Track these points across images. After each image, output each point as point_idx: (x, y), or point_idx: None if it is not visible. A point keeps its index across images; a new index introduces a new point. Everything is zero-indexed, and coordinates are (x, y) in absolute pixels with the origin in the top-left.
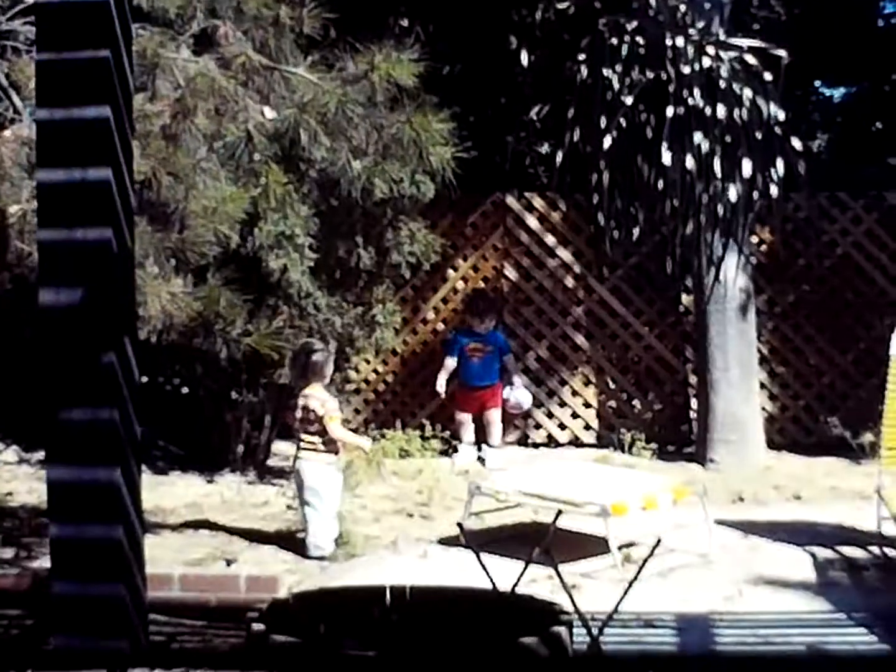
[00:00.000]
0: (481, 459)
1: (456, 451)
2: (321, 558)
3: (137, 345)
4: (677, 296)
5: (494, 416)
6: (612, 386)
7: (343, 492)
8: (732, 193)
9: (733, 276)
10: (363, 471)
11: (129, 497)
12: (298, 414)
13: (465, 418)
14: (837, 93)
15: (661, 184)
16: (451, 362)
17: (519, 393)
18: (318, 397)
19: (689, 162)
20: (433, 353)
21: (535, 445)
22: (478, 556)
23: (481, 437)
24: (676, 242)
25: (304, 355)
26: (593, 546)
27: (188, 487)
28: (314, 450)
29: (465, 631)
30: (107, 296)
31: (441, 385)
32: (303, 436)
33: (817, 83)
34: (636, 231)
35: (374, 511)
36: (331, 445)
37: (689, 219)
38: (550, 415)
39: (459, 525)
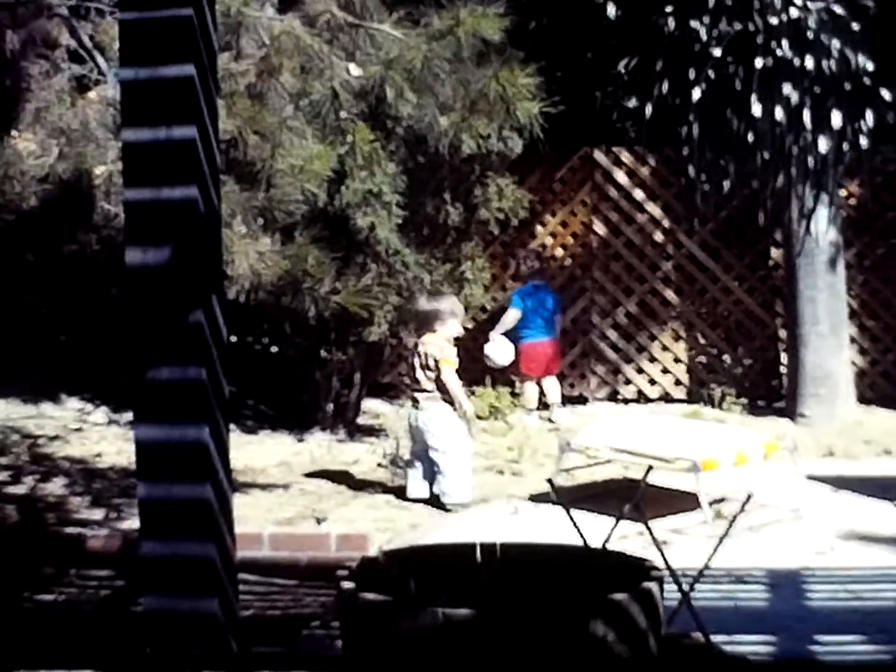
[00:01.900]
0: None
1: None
2: (461, 505)
3: (225, 304)
4: (767, 249)
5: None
6: (701, 341)
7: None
8: (822, 145)
9: (823, 229)
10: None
11: (217, 456)
12: (417, 361)
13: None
14: None
15: (750, 136)
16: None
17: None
18: (437, 344)
19: (779, 113)
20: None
21: (626, 401)
22: (568, 513)
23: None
24: (766, 195)
25: (428, 303)
26: (684, 502)
27: (278, 446)
28: (433, 398)
29: (556, 588)
30: (193, 254)
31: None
32: (422, 384)
33: None
34: (726, 184)
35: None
36: (447, 394)
37: (780, 171)
38: (640, 370)
39: (550, 481)
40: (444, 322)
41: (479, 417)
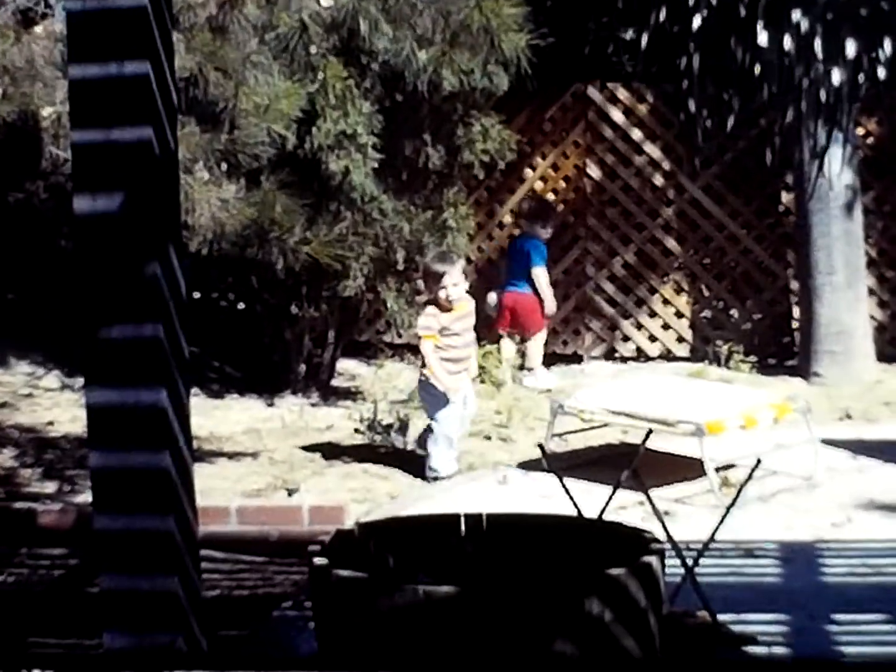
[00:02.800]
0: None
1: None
2: (435, 479)
3: (184, 255)
4: (777, 193)
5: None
6: (706, 294)
7: (418, 412)
8: (836, 77)
9: (838, 170)
10: None
11: (176, 421)
12: None
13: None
14: None
15: (756, 68)
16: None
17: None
18: (428, 312)
19: (788, 43)
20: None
21: (623, 359)
22: (561, 481)
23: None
24: (775, 133)
25: (432, 263)
26: (687, 469)
27: (246, 411)
28: (421, 365)
29: (548, 562)
30: (148, 202)
31: (552, 305)
32: None
33: None
34: (730, 122)
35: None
36: (426, 367)
37: (789, 107)
38: (639, 326)
39: (541, 447)
40: (429, 288)
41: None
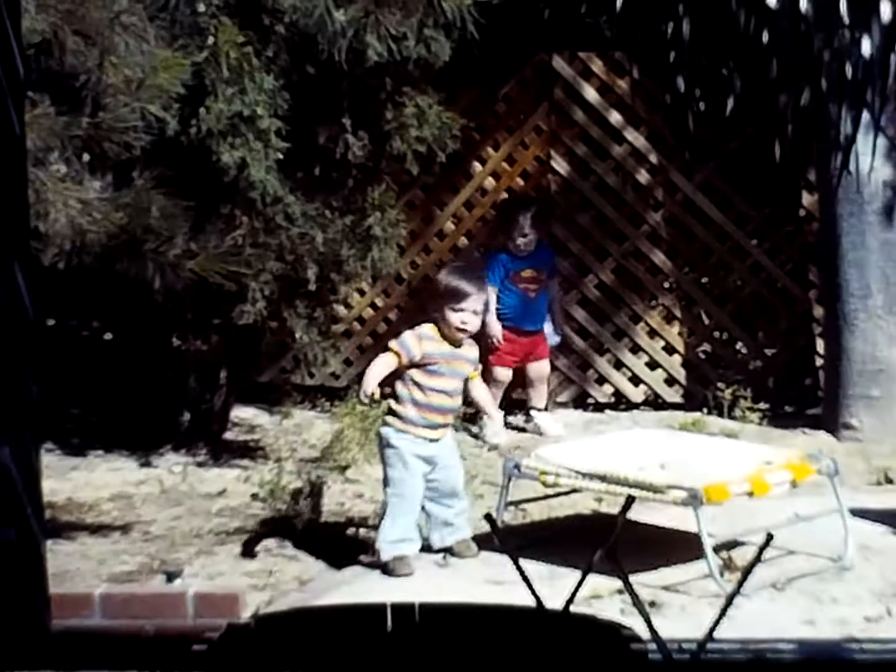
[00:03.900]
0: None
1: (482, 424)
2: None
3: (32, 271)
4: (796, 194)
5: (545, 368)
6: (705, 322)
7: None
8: (865, 47)
9: (871, 165)
10: (357, 444)
11: (22, 486)
12: None
13: (505, 375)
14: None
15: (765, 35)
16: (493, 294)
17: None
18: (412, 331)
19: (804, 4)
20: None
21: (598, 407)
22: (516, 563)
23: (501, 400)
24: (788, 118)
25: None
26: (680, 547)
27: (114, 472)
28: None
29: (497, 666)
30: None
31: (499, 329)
32: None
33: None
34: (729, 103)
35: (374, 501)
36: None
37: (806, 85)
38: (619, 364)
39: (490, 519)
40: (458, 310)
41: None
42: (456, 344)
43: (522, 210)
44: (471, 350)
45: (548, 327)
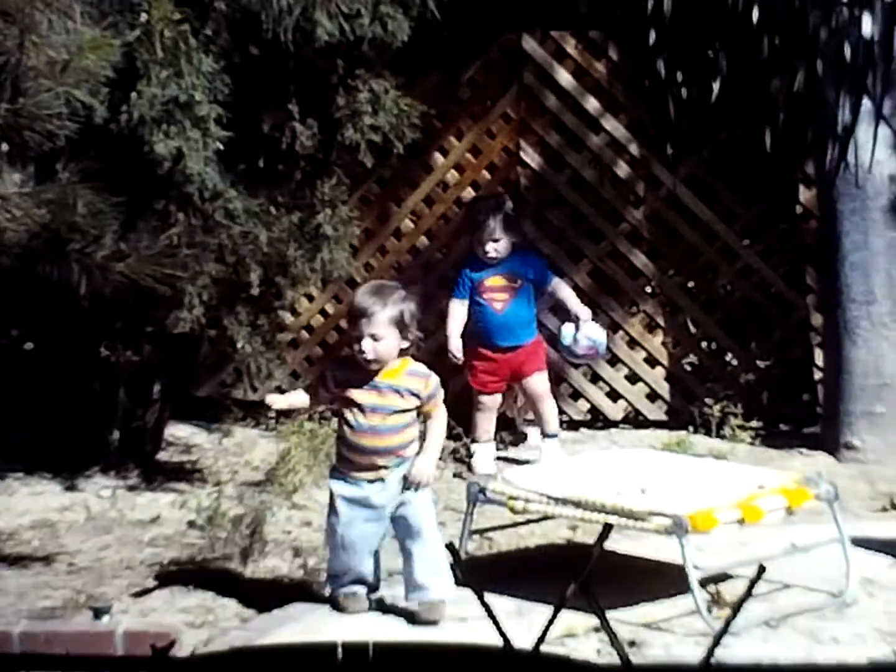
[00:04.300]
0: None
1: (470, 453)
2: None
3: None
4: (791, 189)
5: (541, 384)
6: (691, 331)
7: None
8: (866, 26)
9: (873, 157)
10: (304, 465)
11: None
12: None
13: (490, 401)
14: None
15: (755, 12)
16: (460, 309)
17: (589, 329)
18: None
19: None
20: (412, 285)
21: (573, 425)
22: (480, 597)
23: (501, 423)
24: (781, 105)
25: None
26: (663, 580)
27: (35, 498)
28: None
29: None
30: None
31: (457, 345)
32: None
33: None
34: (716, 87)
35: (324, 528)
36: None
37: (800, 67)
38: (595, 378)
39: (452, 549)
40: (355, 336)
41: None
42: (374, 373)
43: (492, 211)
44: (408, 380)
45: (567, 333)
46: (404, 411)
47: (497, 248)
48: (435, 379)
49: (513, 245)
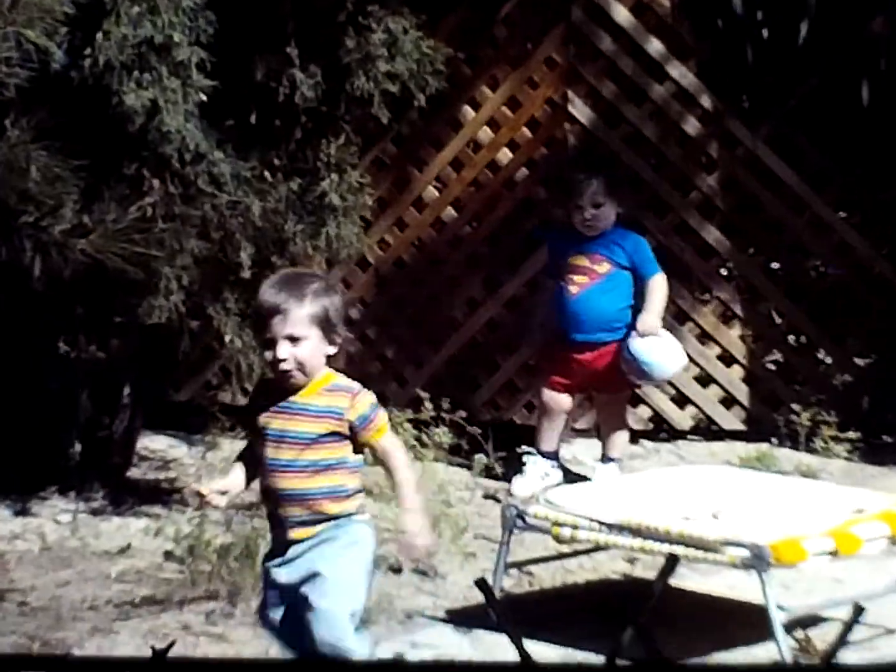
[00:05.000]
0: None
1: (522, 465)
2: None
3: None
4: (893, 150)
5: (617, 403)
6: (776, 322)
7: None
8: None
9: None
10: None
11: None
12: None
13: (552, 401)
14: None
15: None
16: (545, 291)
17: (640, 345)
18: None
19: None
20: (439, 266)
21: (633, 436)
22: (518, 645)
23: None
24: (881, 49)
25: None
26: (739, 623)
27: None
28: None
29: None
30: None
31: (531, 339)
32: None
33: None
34: (803, 27)
35: None
36: None
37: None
38: None
39: (483, 586)
40: (268, 339)
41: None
42: (291, 391)
43: (596, 169)
44: (327, 398)
45: (637, 347)
46: (326, 439)
47: (597, 214)
48: (366, 396)
49: (616, 217)
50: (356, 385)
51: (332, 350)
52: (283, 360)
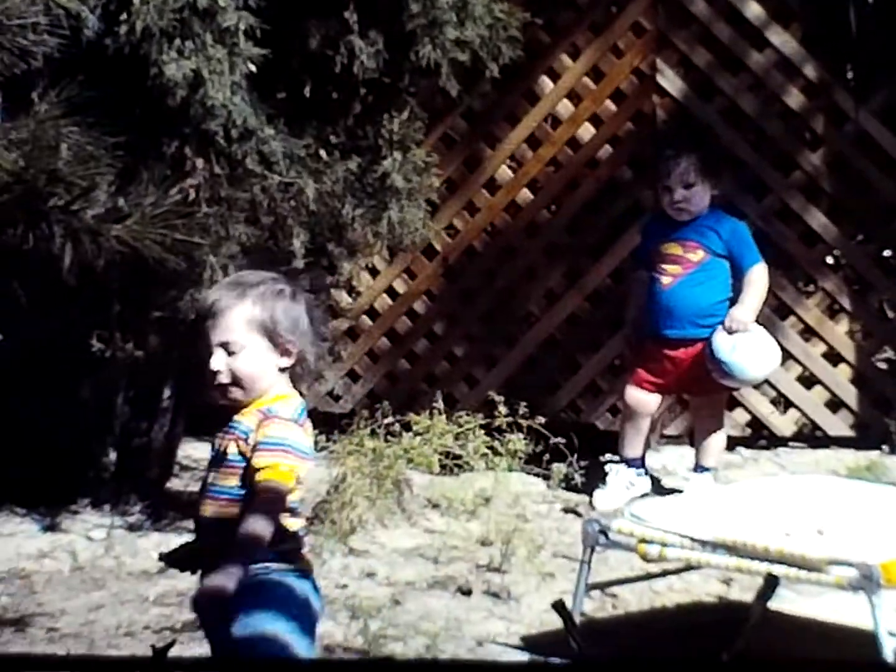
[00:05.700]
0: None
1: (605, 475)
2: None
3: None
4: None
5: (713, 407)
6: (887, 314)
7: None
8: None
9: None
10: (365, 497)
11: None
12: None
13: (637, 402)
14: None
15: None
16: (637, 283)
17: (721, 341)
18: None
19: None
20: (514, 255)
21: (729, 443)
22: None
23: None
24: None
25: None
26: (847, 649)
27: (4, 542)
28: None
29: None
30: None
31: (627, 333)
32: None
33: None
34: None
35: (391, 583)
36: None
37: None
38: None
39: (562, 609)
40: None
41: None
42: (237, 408)
43: (688, 146)
44: (251, 417)
45: (719, 344)
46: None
47: (688, 195)
48: (281, 426)
49: (712, 199)
50: (288, 413)
51: (286, 363)
52: (217, 373)
